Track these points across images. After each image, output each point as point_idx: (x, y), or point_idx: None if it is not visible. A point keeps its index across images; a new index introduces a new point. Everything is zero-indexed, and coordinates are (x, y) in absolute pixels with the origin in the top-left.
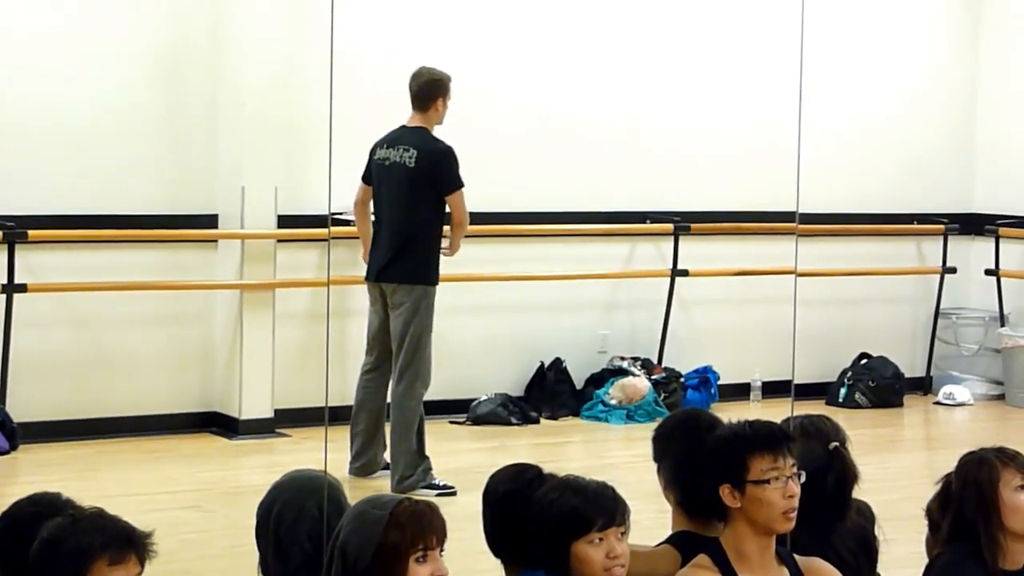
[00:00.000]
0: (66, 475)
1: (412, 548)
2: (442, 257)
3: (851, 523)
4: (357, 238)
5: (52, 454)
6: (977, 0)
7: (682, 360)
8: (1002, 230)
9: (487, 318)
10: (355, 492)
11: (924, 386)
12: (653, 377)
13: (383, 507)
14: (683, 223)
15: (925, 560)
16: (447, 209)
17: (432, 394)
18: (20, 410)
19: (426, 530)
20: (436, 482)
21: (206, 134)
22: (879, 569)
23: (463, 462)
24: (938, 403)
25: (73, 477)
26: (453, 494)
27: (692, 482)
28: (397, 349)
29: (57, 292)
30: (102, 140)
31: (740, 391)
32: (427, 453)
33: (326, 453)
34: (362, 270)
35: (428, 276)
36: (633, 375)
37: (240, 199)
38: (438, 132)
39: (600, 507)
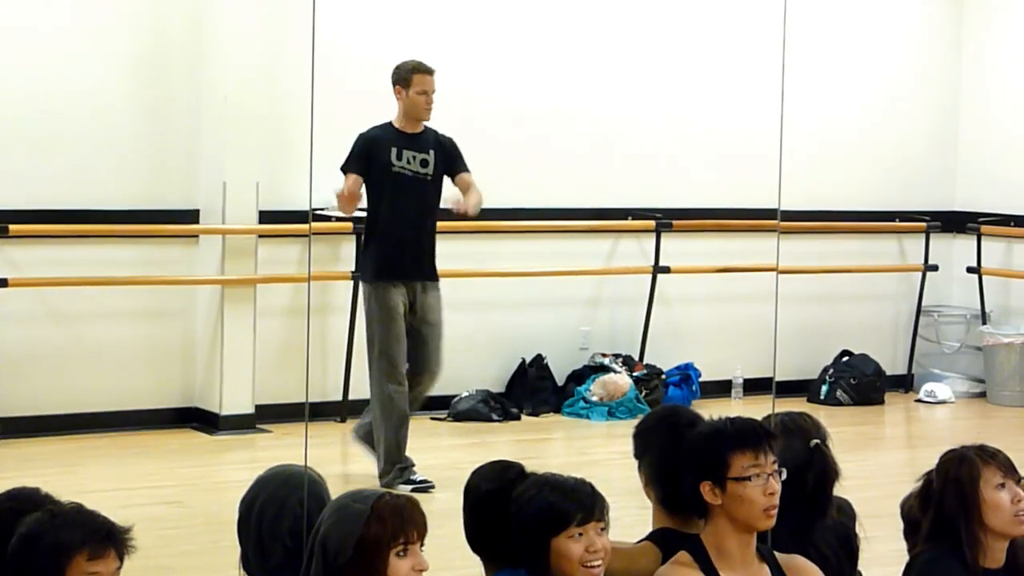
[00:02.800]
0: (46, 470)
1: (393, 542)
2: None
3: (832, 520)
4: (338, 234)
5: (32, 449)
6: None
7: (663, 357)
8: (984, 228)
9: (468, 314)
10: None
11: (905, 383)
12: (634, 374)
13: (364, 501)
14: (665, 220)
15: (906, 557)
16: (382, 197)
17: None
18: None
19: (407, 524)
20: (414, 477)
21: (187, 129)
22: (860, 566)
23: (443, 458)
24: (919, 400)
25: (53, 472)
26: (428, 490)
27: (673, 479)
28: None
29: (38, 287)
30: (83, 135)
31: (721, 388)
32: (404, 451)
33: (306, 448)
34: (343, 266)
35: (363, 272)
36: (614, 372)
37: (221, 194)
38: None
39: (578, 502)
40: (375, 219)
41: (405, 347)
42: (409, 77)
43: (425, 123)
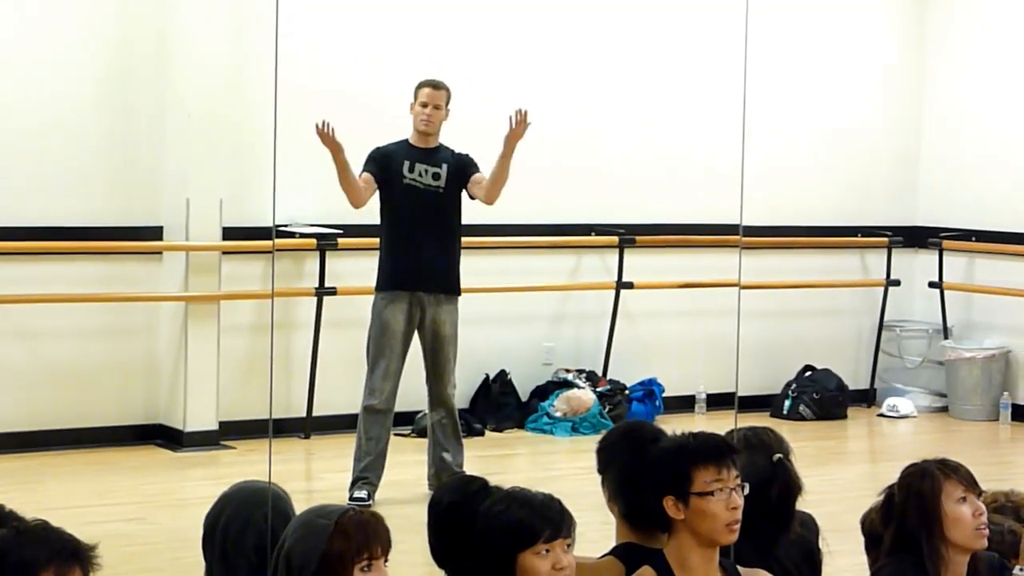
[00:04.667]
0: (8, 487)
1: (357, 558)
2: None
3: (795, 535)
4: (301, 250)
5: None
6: (921, 15)
7: (627, 372)
8: (945, 243)
9: None
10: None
11: (868, 398)
12: (598, 389)
13: (328, 516)
14: (628, 236)
15: (868, 571)
16: (393, 208)
17: None
18: None
19: (371, 540)
20: (355, 493)
21: (151, 146)
22: None
23: (407, 474)
24: (882, 415)
25: (16, 489)
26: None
27: (636, 494)
28: None
29: (0, 304)
30: (46, 152)
31: (685, 403)
32: (360, 467)
33: (270, 465)
34: (306, 282)
35: (377, 280)
36: (578, 387)
37: (185, 211)
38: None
39: (547, 519)
40: (386, 231)
41: (394, 362)
42: (416, 90)
43: (440, 141)
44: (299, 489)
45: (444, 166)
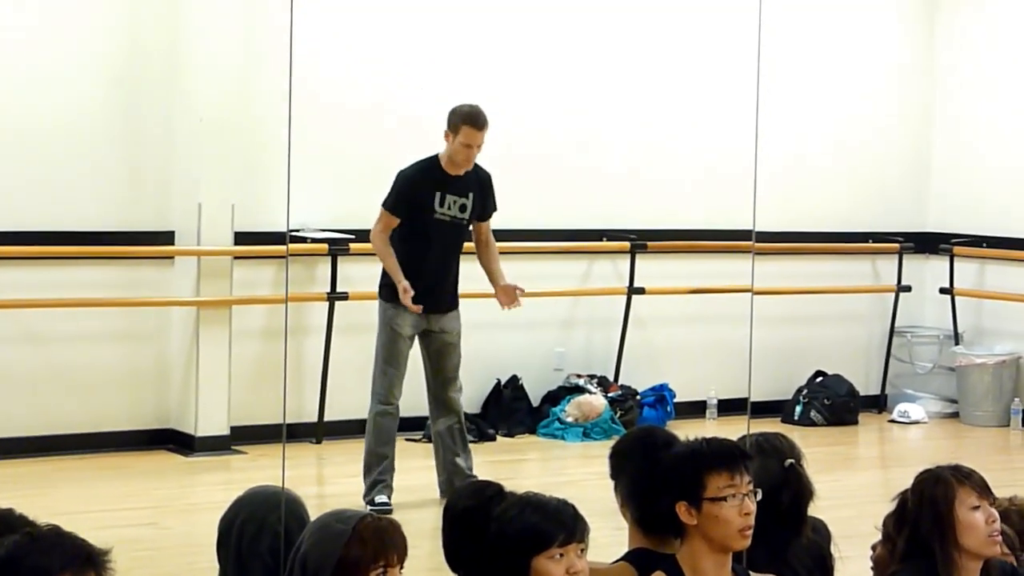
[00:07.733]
0: (20, 492)
1: (373, 564)
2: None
3: (806, 540)
4: (313, 255)
5: (6, 471)
6: (931, 20)
7: (638, 378)
8: (956, 249)
9: None
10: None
11: (879, 404)
12: (609, 395)
13: (346, 521)
14: (639, 241)
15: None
16: (416, 236)
17: None
18: None
19: (387, 547)
20: (376, 498)
21: (162, 150)
22: None
23: (419, 479)
24: (893, 421)
25: (27, 494)
26: (385, 512)
27: (648, 499)
28: None
29: (11, 309)
30: (58, 157)
31: (696, 409)
32: (377, 471)
33: (283, 470)
34: (318, 287)
35: (381, 288)
36: (589, 393)
37: (197, 216)
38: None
39: (561, 523)
40: (402, 251)
41: (402, 368)
42: (459, 126)
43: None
44: (311, 494)
45: (471, 195)
